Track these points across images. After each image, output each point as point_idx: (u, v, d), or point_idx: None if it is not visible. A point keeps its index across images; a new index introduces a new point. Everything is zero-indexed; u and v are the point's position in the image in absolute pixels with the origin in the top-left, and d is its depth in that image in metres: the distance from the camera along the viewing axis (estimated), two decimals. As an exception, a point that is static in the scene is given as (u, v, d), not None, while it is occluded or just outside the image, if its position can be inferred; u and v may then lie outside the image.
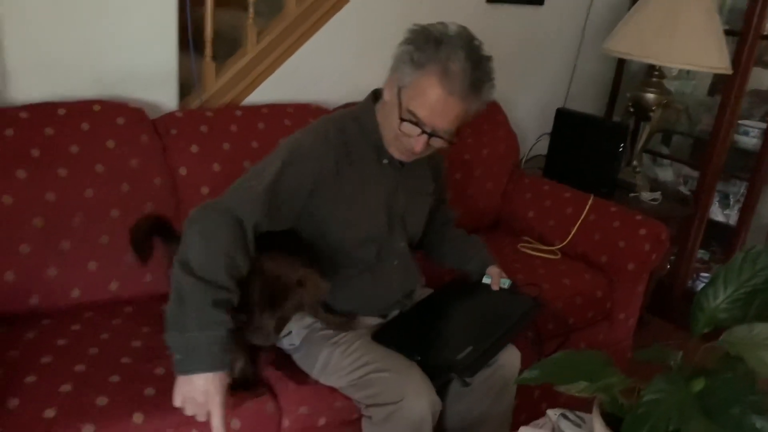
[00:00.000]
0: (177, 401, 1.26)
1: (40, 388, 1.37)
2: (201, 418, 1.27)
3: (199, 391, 1.24)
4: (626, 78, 3.25)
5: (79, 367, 1.45)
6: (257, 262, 1.40)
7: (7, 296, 1.59)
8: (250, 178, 1.47)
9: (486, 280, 1.83)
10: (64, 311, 1.67)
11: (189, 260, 1.27)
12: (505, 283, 1.82)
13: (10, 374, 1.40)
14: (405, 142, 1.53)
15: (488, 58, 1.49)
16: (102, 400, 1.36)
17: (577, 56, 3.14)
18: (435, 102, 1.45)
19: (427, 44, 1.44)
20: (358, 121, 1.62)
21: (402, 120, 1.49)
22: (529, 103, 3.05)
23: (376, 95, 1.64)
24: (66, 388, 1.37)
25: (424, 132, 1.48)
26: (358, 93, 2.39)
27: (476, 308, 1.78)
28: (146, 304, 1.75)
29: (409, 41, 1.48)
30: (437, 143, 1.53)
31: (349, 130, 1.60)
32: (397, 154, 1.59)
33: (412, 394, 1.44)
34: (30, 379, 1.39)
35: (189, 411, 1.26)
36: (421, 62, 1.44)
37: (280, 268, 1.44)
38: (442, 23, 1.49)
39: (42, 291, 1.64)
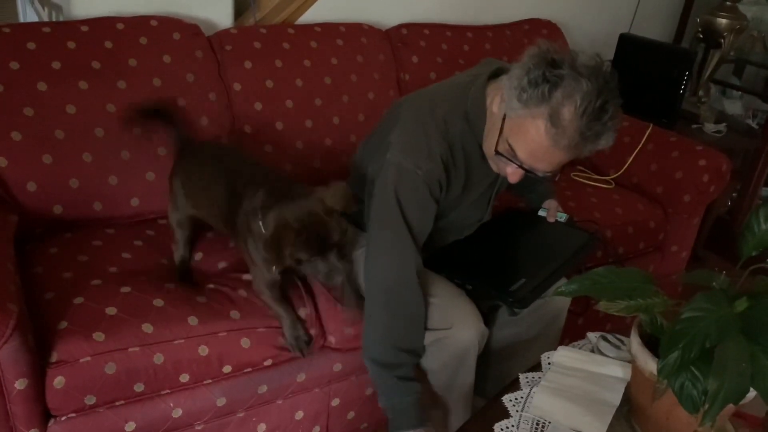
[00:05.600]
0: None
1: (103, 289, 1.45)
2: None
3: None
4: (698, 2, 3.07)
5: (139, 275, 1.53)
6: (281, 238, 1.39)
7: (73, 202, 1.67)
8: (390, 240, 1.41)
9: (542, 212, 1.81)
10: (126, 220, 1.76)
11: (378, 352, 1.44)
12: (562, 216, 1.80)
13: (78, 276, 1.49)
14: (500, 166, 1.42)
15: (617, 104, 1.25)
16: (158, 302, 1.44)
17: (647, -23, 2.98)
18: (536, 147, 1.28)
19: (542, 83, 1.22)
20: (466, 118, 1.44)
21: (497, 152, 1.36)
22: (591, 27, 2.92)
23: (495, 73, 1.44)
24: (126, 289, 1.46)
25: (520, 167, 1.35)
26: (412, 15, 2.37)
27: (531, 240, 1.76)
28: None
29: (525, 68, 1.25)
30: (534, 175, 1.38)
31: (454, 129, 1.43)
32: (494, 168, 1.47)
33: (460, 324, 1.47)
34: (95, 282, 1.48)
35: None
36: (529, 103, 1.24)
37: (293, 210, 1.39)
38: (573, 51, 1.25)
39: (104, 198, 1.71)
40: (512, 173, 1.38)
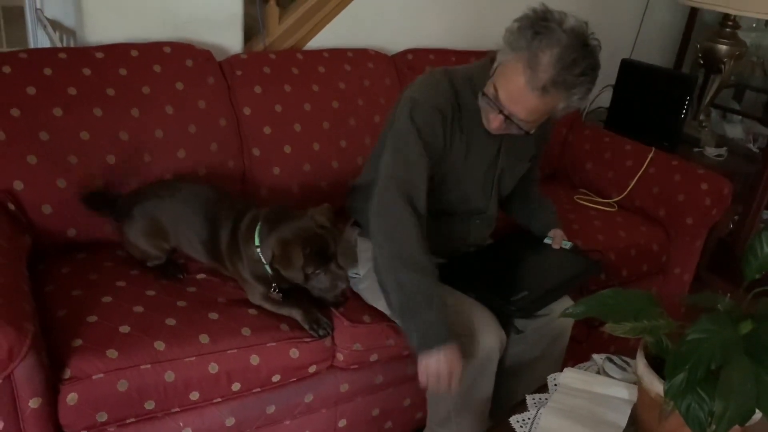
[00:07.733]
0: (423, 378, 1.41)
1: (116, 308, 1.48)
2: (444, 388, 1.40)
3: (444, 361, 1.38)
4: (698, 29, 3.12)
5: (150, 293, 1.56)
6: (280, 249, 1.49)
7: (86, 225, 1.69)
8: (399, 158, 1.49)
9: (547, 240, 1.85)
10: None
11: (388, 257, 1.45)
12: (567, 244, 1.83)
13: (90, 295, 1.51)
14: (487, 116, 1.52)
15: (592, 65, 1.39)
16: (170, 321, 1.46)
17: (647, 4, 3.02)
18: (514, 88, 1.41)
19: (528, 29, 1.37)
20: (470, 81, 1.56)
21: (483, 93, 1.48)
22: (593, 53, 2.96)
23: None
24: (138, 309, 1.48)
25: (501, 112, 1.46)
26: (417, 41, 2.42)
27: (535, 259, 1.81)
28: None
29: (518, 20, 1.41)
30: (514, 129, 1.49)
31: (460, 87, 1.56)
32: (484, 123, 1.56)
33: (481, 330, 1.50)
34: (106, 299, 1.50)
35: (435, 383, 1.40)
36: (514, 46, 1.39)
37: (293, 229, 1.50)
38: (563, 13, 1.39)
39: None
40: (493, 119, 1.48)
